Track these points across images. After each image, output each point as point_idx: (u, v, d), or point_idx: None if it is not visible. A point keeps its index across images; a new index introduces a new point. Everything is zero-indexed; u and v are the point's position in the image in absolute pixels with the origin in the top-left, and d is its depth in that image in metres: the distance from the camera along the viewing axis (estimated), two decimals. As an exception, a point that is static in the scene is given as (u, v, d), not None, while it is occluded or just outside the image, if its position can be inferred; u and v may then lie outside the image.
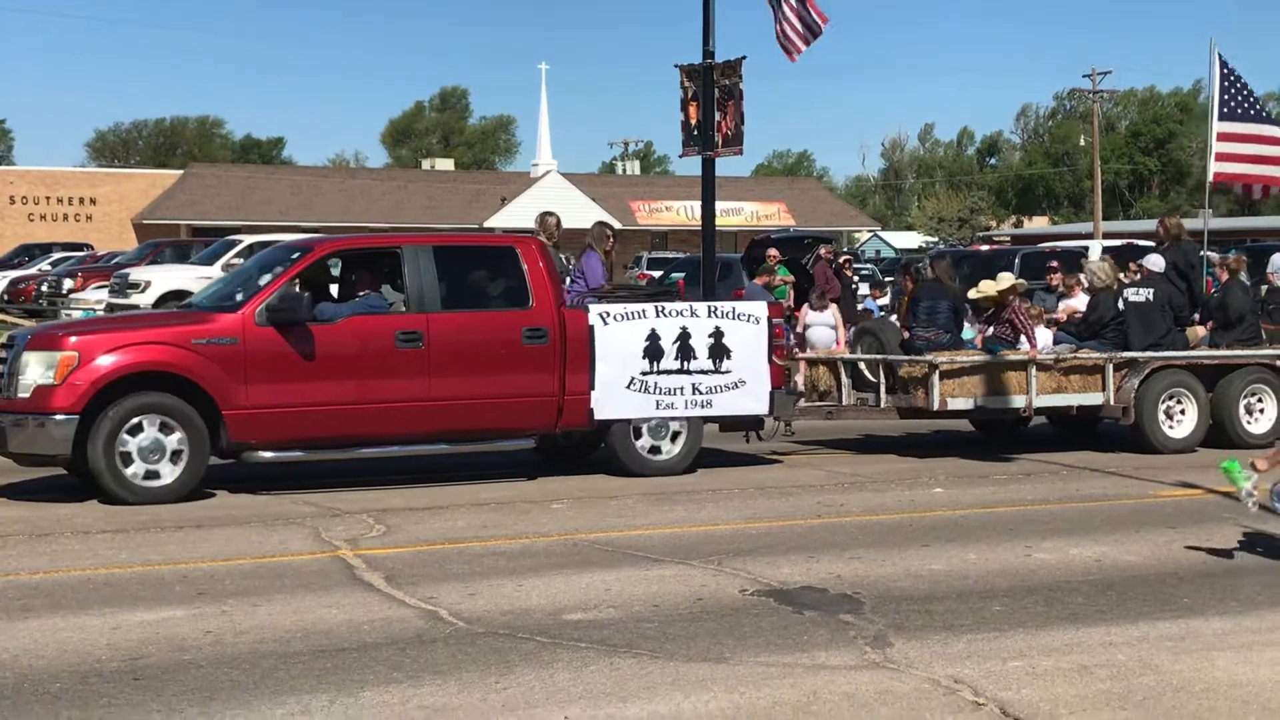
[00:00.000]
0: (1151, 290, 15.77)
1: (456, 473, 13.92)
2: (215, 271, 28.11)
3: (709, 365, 13.75)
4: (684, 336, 13.67)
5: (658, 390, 13.59)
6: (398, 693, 6.92)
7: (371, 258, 13.63)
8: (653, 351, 13.57)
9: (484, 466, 14.18)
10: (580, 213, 65.46)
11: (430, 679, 7.14)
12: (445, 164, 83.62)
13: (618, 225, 65.63)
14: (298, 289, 12.94)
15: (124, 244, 54.42)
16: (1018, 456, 15.25)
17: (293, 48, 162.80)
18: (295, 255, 13.30)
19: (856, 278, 28.92)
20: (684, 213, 65.21)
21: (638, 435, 13.78)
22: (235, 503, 12.38)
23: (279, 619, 8.29)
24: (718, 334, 13.79)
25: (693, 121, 21.06)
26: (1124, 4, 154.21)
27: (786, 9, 18.96)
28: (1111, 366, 15.28)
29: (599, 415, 13.49)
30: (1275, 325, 17.15)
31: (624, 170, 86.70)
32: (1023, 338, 15.22)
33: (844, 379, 15.84)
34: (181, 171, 69.69)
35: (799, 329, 18.56)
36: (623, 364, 13.46)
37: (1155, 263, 16.33)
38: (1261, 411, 15.90)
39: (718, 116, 20.54)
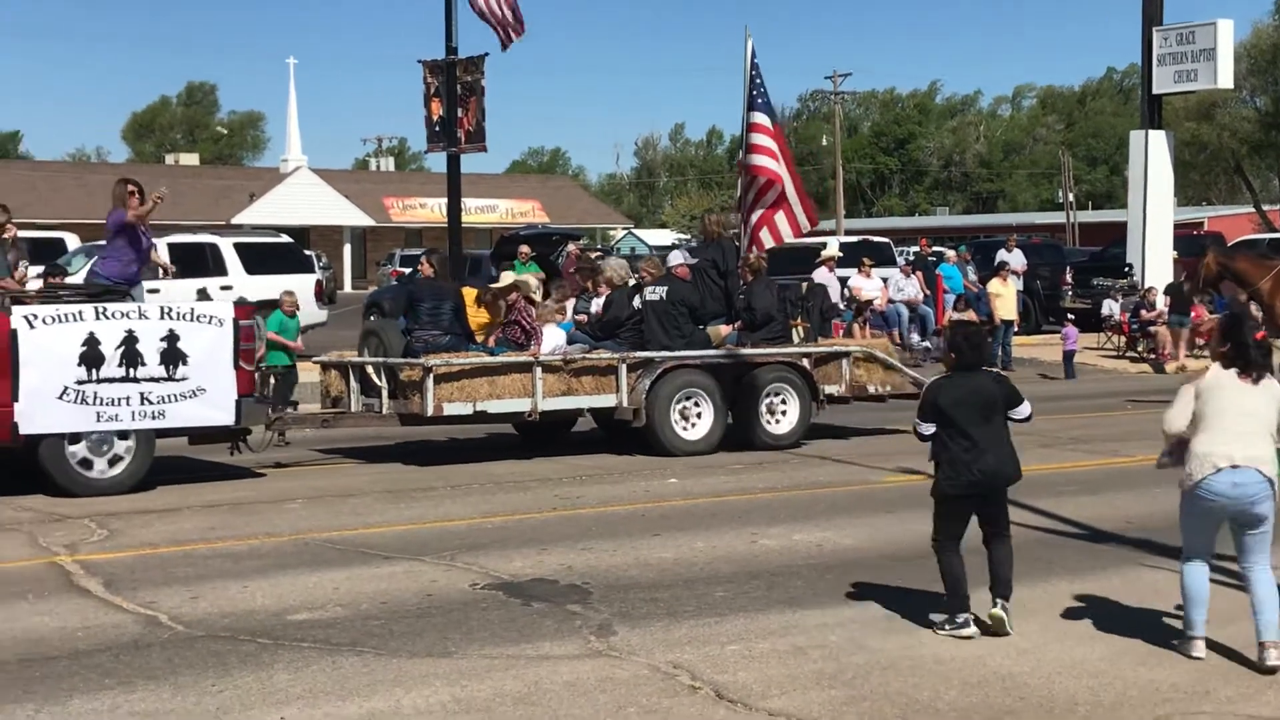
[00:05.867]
0: (666, 288, 15.22)
1: (189, 474, 13.58)
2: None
3: (161, 372, 12.51)
4: (130, 341, 12.40)
5: (98, 400, 12.29)
6: (108, 699, 6.75)
7: None
8: (91, 357, 12.26)
9: (223, 467, 13.88)
10: (332, 209, 64.71)
11: (144, 685, 6.97)
12: (190, 159, 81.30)
13: (371, 222, 65.03)
14: None
15: None
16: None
17: (30, 38, 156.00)
18: None
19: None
20: (437, 209, 64.58)
21: (75, 450, 12.39)
22: (-51, 510, 11.85)
23: (-13, 629, 7.99)
24: (171, 337, 12.57)
25: (435, 117, 21.04)
26: (863, 6, 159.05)
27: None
28: (625, 367, 14.63)
29: (25, 430, 12.10)
30: (810, 324, 17.03)
31: (378, 166, 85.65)
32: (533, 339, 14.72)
33: (353, 384, 14.84)
34: (-95, 165, 66.11)
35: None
36: (54, 372, 12.14)
37: (673, 259, 16.06)
38: (784, 413, 15.47)
39: (460, 113, 20.55)
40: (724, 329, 15.82)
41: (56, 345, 12.20)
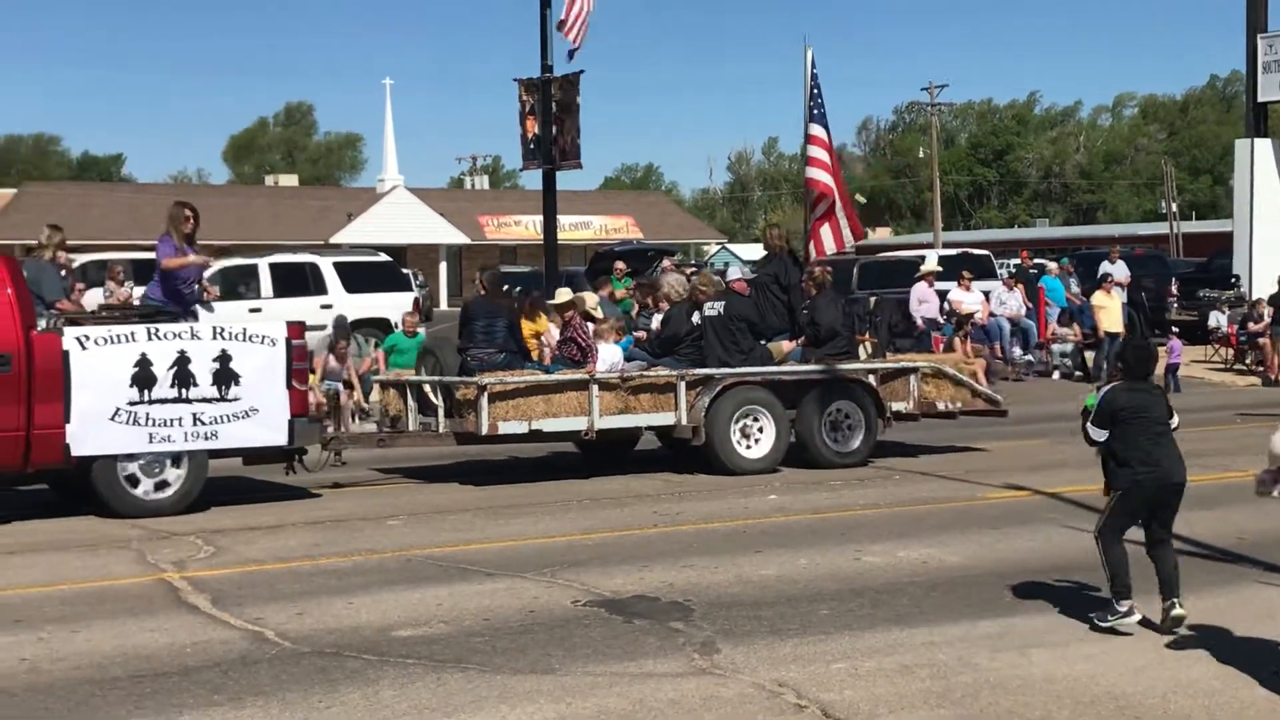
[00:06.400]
0: (724, 304, 14.97)
1: (291, 491, 13.72)
2: None
3: (213, 393, 12.41)
4: (182, 361, 12.30)
5: (150, 421, 12.20)
6: (218, 715, 6.81)
7: None
8: (143, 378, 12.17)
9: (316, 484, 14.01)
10: (428, 228, 65.30)
11: (252, 700, 7.03)
12: (289, 180, 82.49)
13: (466, 240, 65.56)
14: None
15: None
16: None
17: (132, 63, 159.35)
18: None
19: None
20: (532, 226, 65.03)
21: (128, 472, 12.29)
22: (58, 527, 12.05)
23: (98, 645, 8.10)
24: (224, 358, 12.45)
25: (530, 135, 21.22)
26: (959, 18, 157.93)
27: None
28: (684, 384, 14.40)
29: (77, 451, 11.99)
30: (877, 339, 16.70)
31: (473, 185, 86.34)
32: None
33: (410, 402, 14.59)
34: (15, 191, 67.67)
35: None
36: (107, 393, 12.05)
37: (732, 274, 15.70)
38: (849, 430, 15.12)
39: (555, 130, 20.69)
40: (786, 345, 15.53)
41: (109, 366, 12.13)
